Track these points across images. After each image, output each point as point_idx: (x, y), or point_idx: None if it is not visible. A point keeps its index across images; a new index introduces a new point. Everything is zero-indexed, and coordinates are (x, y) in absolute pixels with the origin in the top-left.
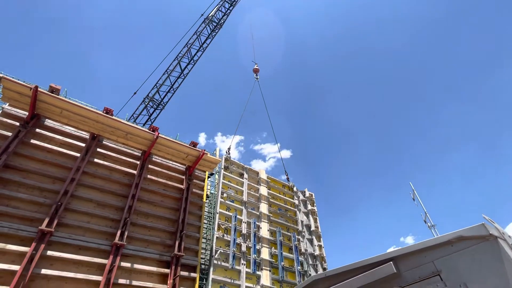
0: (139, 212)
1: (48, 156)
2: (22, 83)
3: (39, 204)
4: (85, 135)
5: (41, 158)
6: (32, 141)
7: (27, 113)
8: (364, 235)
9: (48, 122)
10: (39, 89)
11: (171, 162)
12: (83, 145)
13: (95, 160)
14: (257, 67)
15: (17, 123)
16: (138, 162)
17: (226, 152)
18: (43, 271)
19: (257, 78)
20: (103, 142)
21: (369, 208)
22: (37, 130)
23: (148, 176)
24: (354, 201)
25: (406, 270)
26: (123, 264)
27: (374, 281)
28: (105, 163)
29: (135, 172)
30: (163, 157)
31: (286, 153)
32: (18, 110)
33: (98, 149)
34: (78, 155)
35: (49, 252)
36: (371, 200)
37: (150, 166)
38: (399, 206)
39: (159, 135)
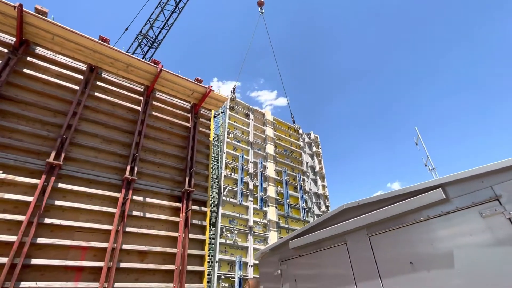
0: (146, 148)
1: (46, 88)
2: (4, 0)
3: (43, 137)
4: (83, 66)
5: (38, 89)
6: (25, 70)
7: (14, 39)
8: (351, 181)
9: (40, 51)
10: (24, 9)
11: (175, 99)
12: (81, 77)
13: (96, 94)
14: None
15: (5, 50)
16: (142, 98)
17: (231, 92)
18: (57, 202)
19: (262, 12)
20: (103, 75)
21: (359, 155)
22: (29, 58)
23: (153, 113)
24: (346, 149)
25: (456, 196)
26: (135, 197)
27: (414, 208)
28: (107, 97)
29: (139, 108)
30: (167, 94)
31: (282, 101)
32: (4, 36)
33: (98, 83)
34: (77, 88)
35: (61, 185)
36: (360, 148)
37: (154, 102)
38: (386, 154)
39: (163, 68)
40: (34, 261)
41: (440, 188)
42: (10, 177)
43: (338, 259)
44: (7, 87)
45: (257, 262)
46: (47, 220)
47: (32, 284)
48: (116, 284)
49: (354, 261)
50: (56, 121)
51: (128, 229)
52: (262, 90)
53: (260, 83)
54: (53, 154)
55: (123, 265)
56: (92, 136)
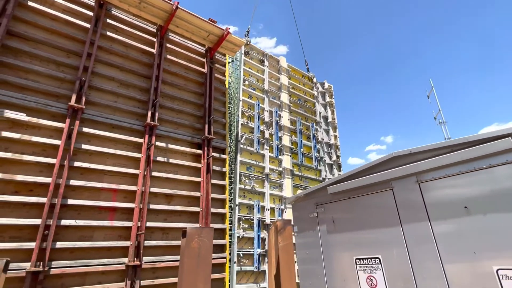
0: (164, 94)
1: (54, 24)
2: None
3: (60, 79)
4: (91, 1)
5: (46, 26)
6: (30, 3)
7: None
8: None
9: None
10: None
11: (189, 42)
12: (91, 13)
13: (108, 33)
14: None
15: None
16: (155, 40)
17: (245, 36)
18: (84, 146)
19: None
20: (113, 12)
21: (353, 110)
22: None
23: (168, 56)
24: (348, 99)
25: None
26: (158, 143)
27: (477, 156)
28: (119, 37)
29: (153, 50)
30: (181, 36)
31: (282, 49)
32: None
33: (109, 21)
34: (88, 25)
35: (85, 129)
36: (355, 102)
37: (168, 45)
38: (384, 108)
39: (178, 5)
40: (70, 201)
41: (509, 137)
42: (34, 120)
43: (382, 204)
44: (14, 22)
45: (273, 206)
46: (77, 163)
47: (72, 221)
48: (147, 223)
49: (401, 206)
50: (71, 62)
51: (154, 174)
52: (261, 37)
53: (258, 28)
54: (73, 97)
55: (152, 206)
56: (109, 79)
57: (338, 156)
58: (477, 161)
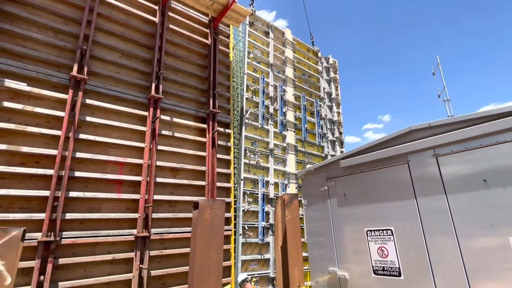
0: (168, 66)
1: None
2: None
3: (59, 48)
4: None
5: None
6: None
7: None
8: (344, 115)
9: None
10: None
11: (192, 11)
12: None
13: None
14: None
15: None
16: (156, 8)
17: (250, 5)
18: (88, 118)
19: None
20: None
21: (353, 88)
22: None
23: (170, 26)
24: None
25: None
26: (163, 117)
27: (501, 130)
28: (119, 4)
29: (154, 19)
30: (184, 4)
31: (281, 23)
32: None
33: None
34: None
35: (88, 101)
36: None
37: (170, 14)
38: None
39: None
40: (78, 174)
41: None
42: (36, 90)
43: (396, 178)
44: None
45: (277, 180)
46: (82, 136)
47: (80, 193)
48: (154, 196)
49: (416, 180)
50: (70, 29)
51: (160, 147)
52: (260, 10)
53: (257, 0)
54: (75, 67)
55: (158, 179)
56: (110, 49)
57: (340, 133)
58: (501, 134)
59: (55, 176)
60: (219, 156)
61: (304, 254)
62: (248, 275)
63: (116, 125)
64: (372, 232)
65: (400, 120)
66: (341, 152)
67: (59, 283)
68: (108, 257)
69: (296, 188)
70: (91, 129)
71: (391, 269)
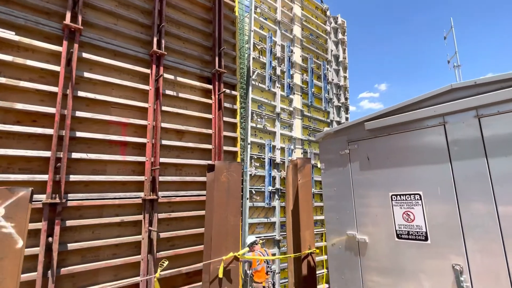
0: (169, 19)
1: None
2: None
3: None
4: None
5: None
6: None
7: None
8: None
9: None
10: None
11: None
12: None
13: None
14: None
15: None
16: None
17: None
18: (86, 74)
19: None
20: None
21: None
22: None
23: None
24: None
25: None
26: (166, 75)
27: None
28: None
29: None
30: None
31: None
32: None
33: None
34: None
35: (85, 55)
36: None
37: None
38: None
39: None
40: (79, 134)
41: None
42: (26, 40)
43: (429, 140)
44: None
45: (283, 145)
46: (81, 93)
47: (83, 155)
48: (160, 159)
49: (453, 142)
50: None
51: (164, 108)
52: None
53: None
54: (68, 15)
55: (164, 142)
56: None
57: (346, 99)
58: None
59: (55, 136)
60: (225, 119)
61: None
62: (256, 237)
63: (116, 83)
64: (398, 196)
65: (396, 89)
66: (346, 118)
67: (68, 244)
68: (116, 219)
69: (301, 153)
70: (90, 87)
71: (417, 233)
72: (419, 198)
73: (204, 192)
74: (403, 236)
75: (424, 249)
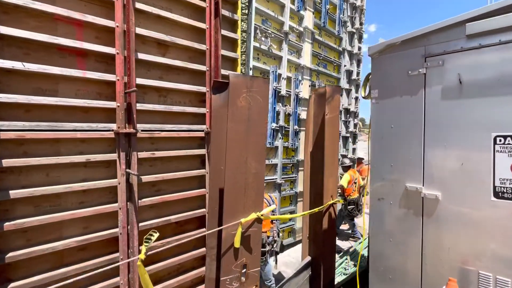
0: None
1: None
2: None
3: None
4: None
5: None
6: None
7: None
8: None
9: None
10: None
11: None
12: None
13: None
14: None
15: None
16: None
17: None
18: None
19: None
20: None
21: None
22: None
23: None
24: None
25: None
26: None
27: None
28: None
29: None
30: None
31: None
32: None
33: None
34: None
35: None
36: None
37: None
38: None
39: None
40: (5, 30)
41: None
42: None
43: None
44: None
45: (290, 75)
46: None
47: (17, 64)
48: (137, 80)
49: None
50: None
51: (139, 6)
52: None
53: None
54: None
55: (141, 56)
56: None
57: (361, 23)
58: None
59: None
60: (223, 32)
61: None
62: None
63: None
64: (506, 139)
65: (386, 31)
66: (359, 48)
67: (11, 191)
68: (80, 158)
69: (309, 86)
70: None
71: None
72: None
73: (196, 127)
74: (505, 195)
75: None
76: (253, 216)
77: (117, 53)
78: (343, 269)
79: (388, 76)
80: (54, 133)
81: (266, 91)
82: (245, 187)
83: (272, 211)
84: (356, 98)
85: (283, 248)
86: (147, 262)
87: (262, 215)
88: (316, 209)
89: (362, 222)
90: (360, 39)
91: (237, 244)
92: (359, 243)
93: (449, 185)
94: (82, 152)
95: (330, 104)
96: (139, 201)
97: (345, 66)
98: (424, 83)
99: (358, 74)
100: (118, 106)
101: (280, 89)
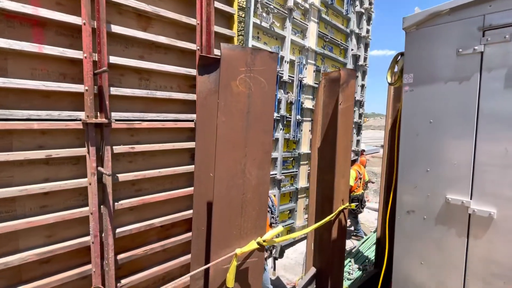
0: None
1: None
2: None
3: None
4: None
5: None
6: None
7: None
8: None
9: None
10: None
11: None
12: None
13: None
14: None
15: None
16: None
17: None
18: None
19: None
20: None
21: None
22: None
23: None
24: None
25: None
26: None
27: None
28: None
29: None
30: None
31: None
32: None
33: None
34: None
35: None
36: None
37: None
38: None
39: None
40: None
41: None
42: None
43: None
44: None
45: (293, 58)
46: None
47: None
48: (112, 58)
49: None
50: None
51: None
52: None
53: None
54: None
55: (115, 29)
56: None
57: (370, 3)
58: None
59: None
60: (217, 4)
61: None
62: None
63: None
64: None
65: (386, 18)
66: (367, 31)
67: None
68: (40, 154)
69: (313, 71)
70: None
71: None
72: None
73: (184, 116)
74: None
75: None
76: (253, 245)
77: (84, 24)
78: (347, 273)
79: (428, 55)
80: (3, 123)
81: (274, 71)
82: (242, 204)
83: (270, 212)
84: (363, 86)
85: (283, 253)
86: (126, 272)
87: (264, 241)
88: (327, 218)
89: (367, 219)
90: (368, 20)
91: (230, 283)
92: (363, 242)
93: (509, 201)
94: (41, 147)
95: (345, 92)
96: (116, 203)
97: (352, 50)
98: (481, 64)
99: (365, 59)
100: (87, 90)
101: (283, 73)
